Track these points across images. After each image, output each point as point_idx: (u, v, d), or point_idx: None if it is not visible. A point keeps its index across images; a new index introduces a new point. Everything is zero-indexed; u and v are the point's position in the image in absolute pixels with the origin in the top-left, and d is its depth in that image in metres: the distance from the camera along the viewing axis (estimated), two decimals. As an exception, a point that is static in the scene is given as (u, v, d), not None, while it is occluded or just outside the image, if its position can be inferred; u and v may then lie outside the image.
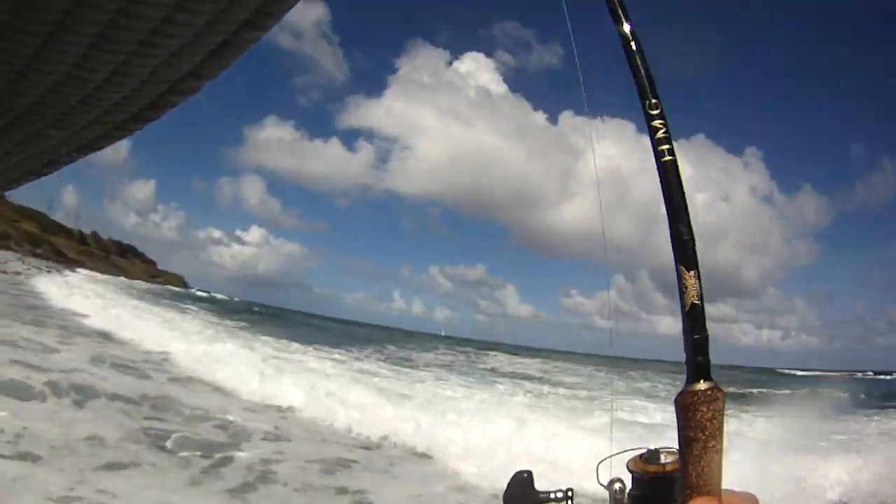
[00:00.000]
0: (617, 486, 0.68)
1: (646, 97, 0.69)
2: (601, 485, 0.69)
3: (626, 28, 0.68)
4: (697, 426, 0.56)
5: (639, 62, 0.69)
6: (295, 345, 19.57)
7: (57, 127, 0.61)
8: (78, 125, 0.61)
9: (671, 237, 0.67)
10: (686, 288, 0.64)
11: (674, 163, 0.69)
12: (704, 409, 0.56)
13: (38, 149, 0.66)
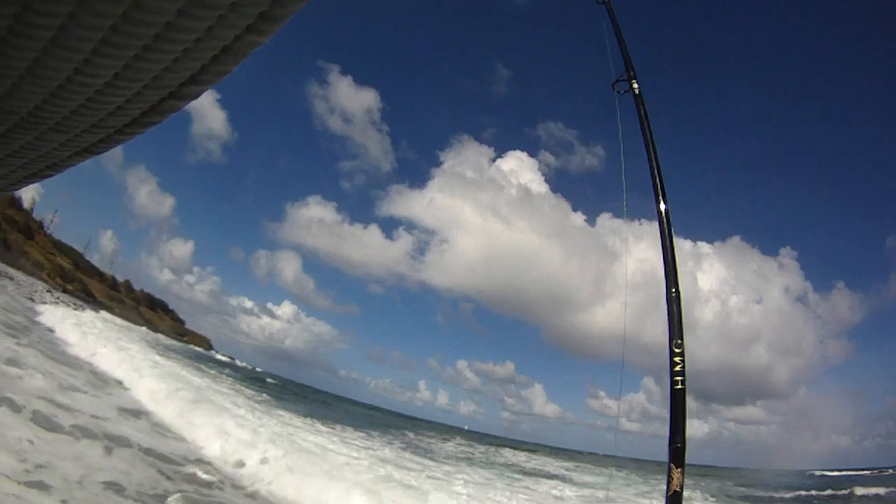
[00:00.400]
0: None
1: (673, 337, 0.99)
2: None
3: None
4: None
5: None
6: (317, 424, 19.30)
7: (59, 131, 0.62)
8: (80, 129, 0.62)
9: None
10: (671, 479, 1.16)
11: (683, 391, 1.17)
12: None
13: (39, 152, 0.67)
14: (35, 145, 0.65)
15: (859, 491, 24.59)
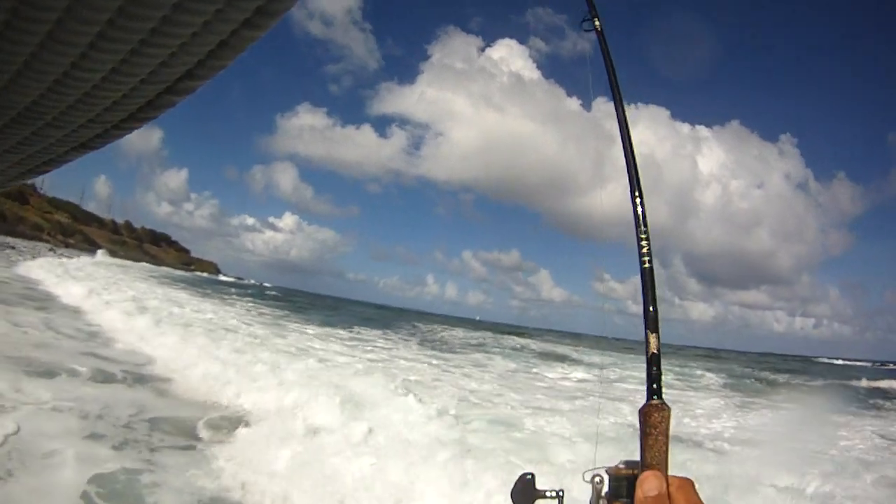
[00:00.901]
0: (597, 479, 0.87)
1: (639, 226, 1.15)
2: (585, 480, 0.90)
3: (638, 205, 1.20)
4: (651, 426, 0.85)
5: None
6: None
7: (56, 126, 0.62)
8: (77, 124, 0.61)
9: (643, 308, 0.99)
10: (649, 343, 0.94)
11: (651, 269, 1.06)
12: (657, 416, 0.86)
13: (36, 147, 0.67)
14: (32, 141, 0.65)
15: (865, 383, 24.81)
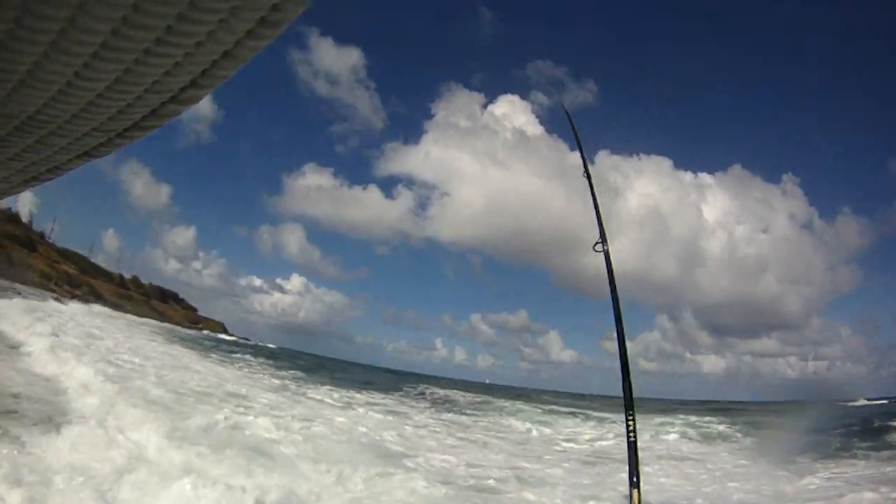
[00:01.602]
0: None
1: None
2: None
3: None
4: None
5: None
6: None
7: (59, 134, 0.62)
8: (80, 133, 0.62)
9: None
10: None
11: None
12: None
13: (40, 156, 0.68)
14: (35, 149, 0.66)
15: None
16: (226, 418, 8.71)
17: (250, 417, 9.43)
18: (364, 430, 11.57)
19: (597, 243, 4.58)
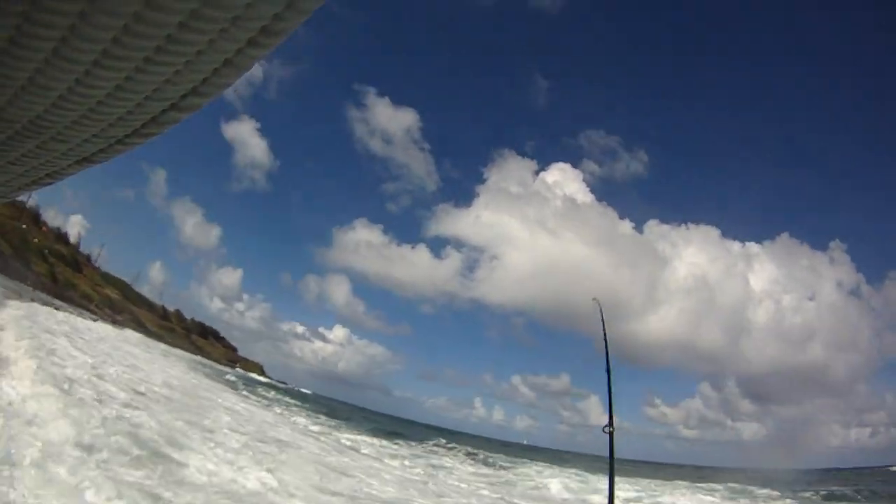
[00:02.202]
0: None
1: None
2: None
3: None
4: None
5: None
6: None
7: (60, 140, 0.63)
8: (81, 139, 0.62)
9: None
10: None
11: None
12: None
13: (40, 161, 0.68)
14: (35, 154, 0.67)
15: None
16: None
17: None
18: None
19: (605, 426, 5.11)
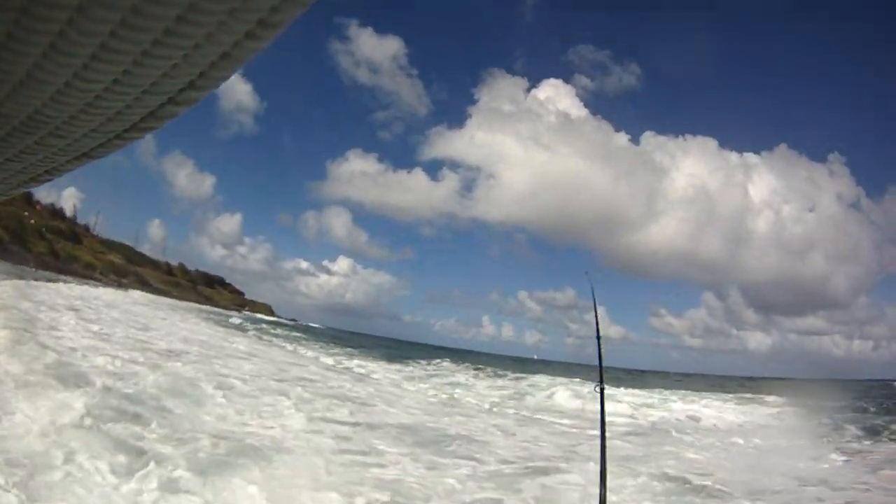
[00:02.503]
0: None
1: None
2: None
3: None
4: None
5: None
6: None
7: (57, 136, 0.63)
8: (79, 134, 0.62)
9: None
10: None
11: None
12: None
13: (38, 157, 0.68)
14: (34, 150, 0.66)
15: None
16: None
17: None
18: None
19: (596, 385, 5.04)
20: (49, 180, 0.77)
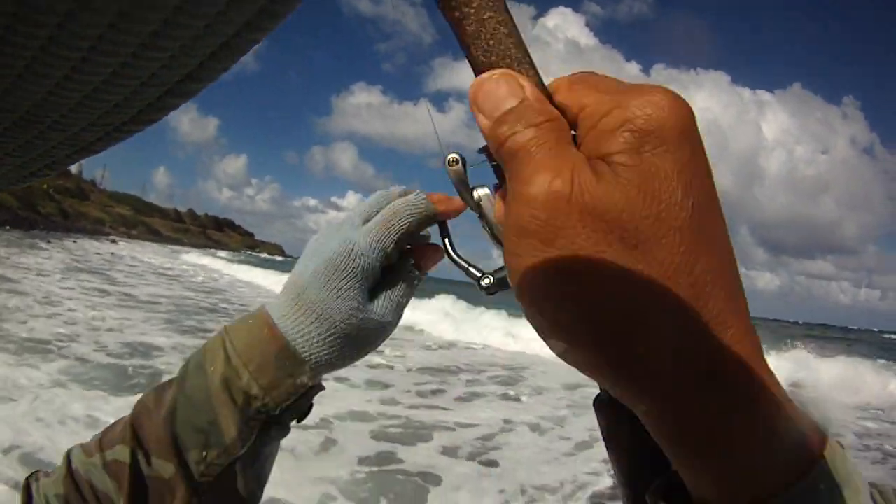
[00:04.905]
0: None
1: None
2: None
3: None
4: None
5: None
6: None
7: (57, 129, 0.62)
8: (78, 127, 0.61)
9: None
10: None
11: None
12: None
13: (38, 150, 0.68)
14: (34, 144, 0.66)
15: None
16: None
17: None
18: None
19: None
20: (49, 174, 0.76)
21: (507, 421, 6.41)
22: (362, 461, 4.64)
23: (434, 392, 7.59)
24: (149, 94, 0.60)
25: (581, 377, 0.31)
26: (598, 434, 0.40)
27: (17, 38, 0.52)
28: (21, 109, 0.61)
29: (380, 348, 0.68)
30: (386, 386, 7.43)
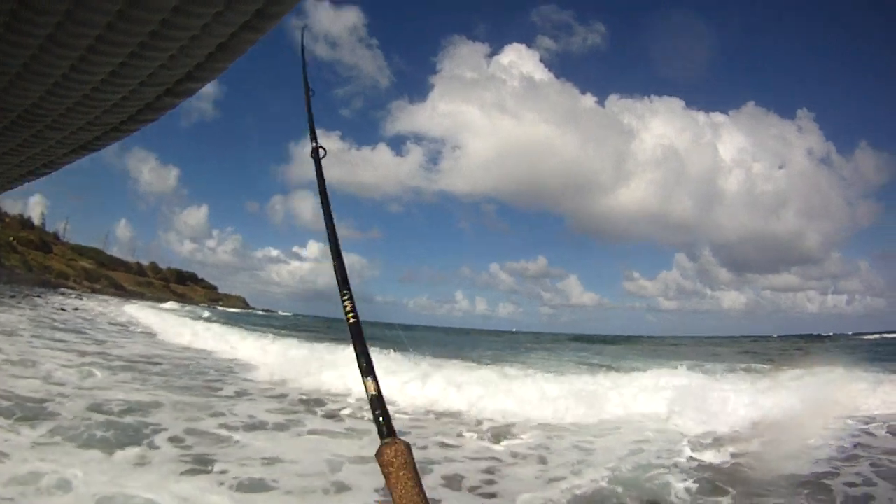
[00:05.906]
0: None
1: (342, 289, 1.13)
2: None
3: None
4: (388, 466, 0.82)
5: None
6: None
7: (56, 128, 0.62)
8: (76, 126, 0.62)
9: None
10: (367, 387, 0.93)
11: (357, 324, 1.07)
12: (389, 453, 0.83)
13: (36, 150, 0.68)
14: (32, 143, 0.66)
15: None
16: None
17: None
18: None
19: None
20: (47, 173, 0.76)
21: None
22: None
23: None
24: (147, 94, 0.61)
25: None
26: None
27: (14, 37, 0.53)
28: (19, 108, 0.61)
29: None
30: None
